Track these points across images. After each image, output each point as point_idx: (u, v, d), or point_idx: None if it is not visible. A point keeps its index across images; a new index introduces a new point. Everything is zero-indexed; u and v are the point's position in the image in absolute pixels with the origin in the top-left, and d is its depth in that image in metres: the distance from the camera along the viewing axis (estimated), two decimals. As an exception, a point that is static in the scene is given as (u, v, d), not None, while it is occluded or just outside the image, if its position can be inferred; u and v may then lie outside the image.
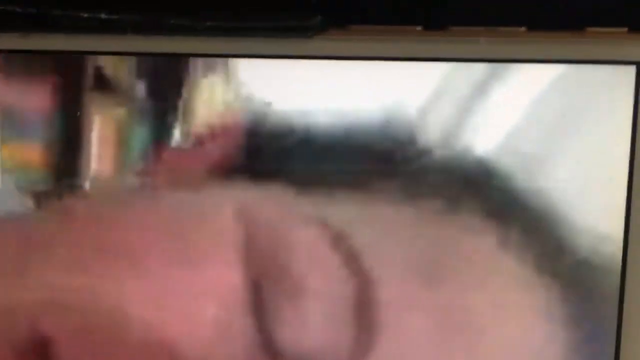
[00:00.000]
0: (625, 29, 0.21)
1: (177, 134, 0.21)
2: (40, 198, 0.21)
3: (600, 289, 0.21)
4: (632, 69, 0.20)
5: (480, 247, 0.19)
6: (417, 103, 0.21)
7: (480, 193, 0.20)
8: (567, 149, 0.21)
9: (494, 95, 0.21)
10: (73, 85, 0.22)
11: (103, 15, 0.22)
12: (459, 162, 0.19)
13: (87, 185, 0.21)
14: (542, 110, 0.21)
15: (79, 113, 0.21)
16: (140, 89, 0.22)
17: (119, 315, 0.19)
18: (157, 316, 0.19)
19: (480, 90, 0.21)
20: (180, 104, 0.21)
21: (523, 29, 0.21)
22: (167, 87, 0.22)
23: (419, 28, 0.22)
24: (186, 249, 0.19)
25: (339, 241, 0.19)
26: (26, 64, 0.22)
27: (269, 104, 0.21)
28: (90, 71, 0.22)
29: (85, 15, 0.22)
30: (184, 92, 0.21)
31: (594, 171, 0.21)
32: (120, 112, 0.21)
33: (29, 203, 0.21)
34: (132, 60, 0.22)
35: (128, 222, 0.19)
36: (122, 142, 0.21)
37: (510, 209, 0.20)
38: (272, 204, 0.19)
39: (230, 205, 0.19)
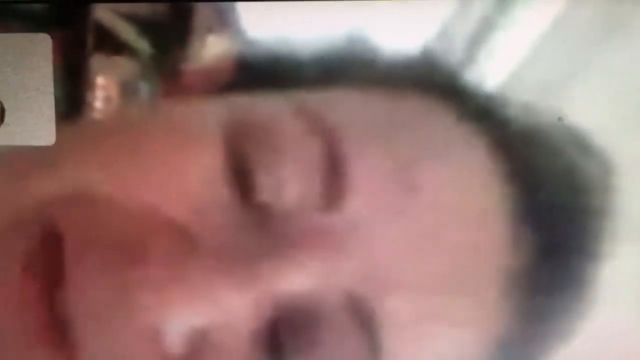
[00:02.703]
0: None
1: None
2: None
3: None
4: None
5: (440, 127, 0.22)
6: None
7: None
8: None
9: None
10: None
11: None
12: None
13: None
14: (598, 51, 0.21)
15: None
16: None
17: (122, 203, 0.22)
18: (155, 195, 0.22)
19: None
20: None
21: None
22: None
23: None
24: (182, 140, 0.22)
25: (308, 114, 0.22)
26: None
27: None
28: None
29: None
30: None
31: None
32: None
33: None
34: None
35: (135, 126, 0.23)
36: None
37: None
38: (256, 98, 0.22)
39: (219, 108, 0.22)
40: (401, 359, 0.22)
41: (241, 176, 0.22)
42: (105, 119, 0.23)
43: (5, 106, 0.23)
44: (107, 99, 0.23)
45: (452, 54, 0.21)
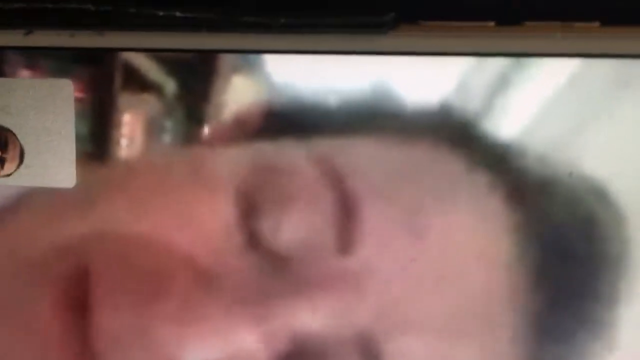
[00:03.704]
0: None
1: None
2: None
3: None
4: None
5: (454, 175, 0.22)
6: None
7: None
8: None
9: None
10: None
11: (178, 13, 0.22)
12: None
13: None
14: (613, 106, 0.21)
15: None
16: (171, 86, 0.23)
17: (148, 242, 0.23)
18: (178, 236, 0.23)
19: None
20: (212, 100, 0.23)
21: (596, 24, 0.21)
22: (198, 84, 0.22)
23: (491, 24, 0.22)
24: (202, 186, 0.23)
25: (323, 161, 0.22)
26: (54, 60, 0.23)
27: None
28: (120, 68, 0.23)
29: (161, 13, 0.22)
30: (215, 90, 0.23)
31: None
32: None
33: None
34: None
35: (161, 169, 0.23)
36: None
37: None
38: (274, 147, 0.23)
39: (241, 155, 0.23)
40: None
41: (255, 223, 0.23)
42: (133, 160, 0.23)
43: (27, 149, 0.23)
44: (133, 137, 0.23)
45: (468, 106, 0.22)
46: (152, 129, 0.23)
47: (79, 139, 0.23)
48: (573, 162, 0.21)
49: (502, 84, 0.22)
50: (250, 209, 0.23)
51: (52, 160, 0.23)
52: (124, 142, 0.23)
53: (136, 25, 0.22)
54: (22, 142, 0.23)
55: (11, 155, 0.23)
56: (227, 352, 0.23)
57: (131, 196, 0.24)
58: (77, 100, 0.23)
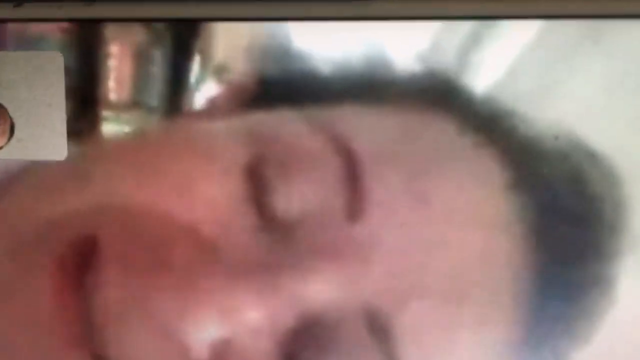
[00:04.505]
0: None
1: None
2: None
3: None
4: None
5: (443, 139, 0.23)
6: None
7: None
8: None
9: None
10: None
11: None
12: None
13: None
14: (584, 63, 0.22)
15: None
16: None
17: (152, 213, 0.23)
18: (180, 207, 0.23)
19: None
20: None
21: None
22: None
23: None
24: (205, 160, 0.23)
25: (326, 129, 0.23)
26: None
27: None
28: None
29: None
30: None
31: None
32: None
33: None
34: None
35: (158, 142, 0.23)
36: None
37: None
38: (270, 117, 0.23)
39: (240, 127, 0.23)
40: None
41: (262, 196, 0.23)
42: (126, 131, 0.23)
43: (18, 122, 0.23)
44: (123, 108, 0.23)
45: (446, 67, 0.22)
46: (139, 56, 0.23)
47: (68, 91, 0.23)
48: (556, 121, 0.22)
49: (477, 45, 0.22)
50: (260, 183, 0.23)
51: (43, 132, 0.23)
52: (110, 78, 0.23)
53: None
54: (12, 115, 0.23)
55: (1, 129, 0.23)
56: (230, 329, 0.23)
57: (132, 169, 0.24)
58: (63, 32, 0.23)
